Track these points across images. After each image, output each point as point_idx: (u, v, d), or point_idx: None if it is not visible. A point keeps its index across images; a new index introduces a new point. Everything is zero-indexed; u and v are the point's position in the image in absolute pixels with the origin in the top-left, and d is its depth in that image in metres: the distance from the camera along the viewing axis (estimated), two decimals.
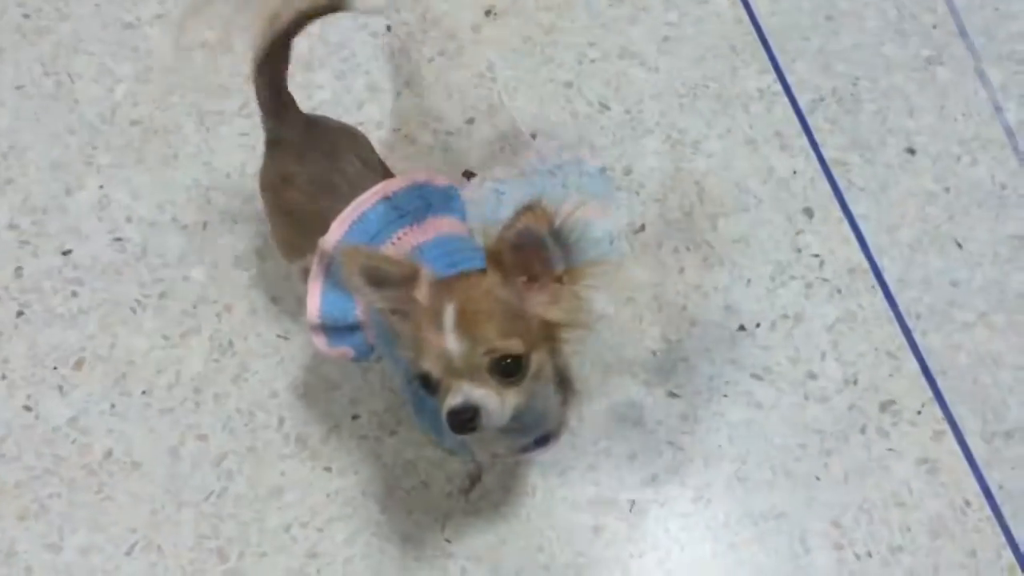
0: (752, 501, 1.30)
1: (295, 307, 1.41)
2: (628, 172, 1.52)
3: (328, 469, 1.31)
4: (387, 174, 1.13)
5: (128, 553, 1.26)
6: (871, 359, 1.39)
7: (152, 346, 1.39)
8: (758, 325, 1.41)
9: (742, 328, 1.41)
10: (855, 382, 1.37)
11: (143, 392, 1.36)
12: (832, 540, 1.27)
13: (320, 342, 1.10)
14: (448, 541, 1.27)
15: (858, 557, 1.26)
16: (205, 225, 1.48)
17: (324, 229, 1.06)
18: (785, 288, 1.44)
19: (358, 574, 1.25)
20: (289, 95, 1.13)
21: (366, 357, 1.13)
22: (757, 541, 1.27)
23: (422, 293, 0.85)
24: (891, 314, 1.42)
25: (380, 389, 1.36)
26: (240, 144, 1.54)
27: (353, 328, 1.09)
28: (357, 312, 1.07)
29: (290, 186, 1.12)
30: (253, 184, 1.49)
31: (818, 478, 1.31)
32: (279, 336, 1.40)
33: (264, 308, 1.42)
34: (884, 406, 1.36)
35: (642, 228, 1.48)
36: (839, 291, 1.44)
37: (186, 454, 1.32)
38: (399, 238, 1.03)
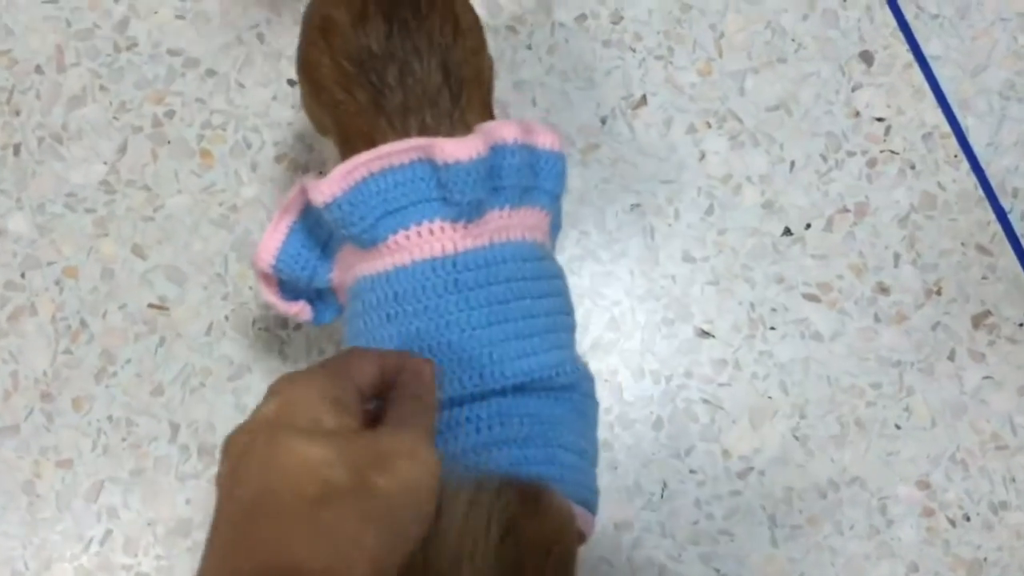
0: (816, 467, 0.99)
1: (172, 256, 1.00)
2: (617, 19, 1.08)
3: None
4: (483, 110, 0.69)
5: None
6: (957, 258, 1.05)
7: None
8: (808, 226, 1.05)
9: (788, 232, 1.04)
10: (938, 292, 1.04)
11: None
12: (920, 505, 0.99)
13: (269, 292, 0.75)
14: None
15: (953, 523, 0.99)
16: (17, 149, 1.02)
17: (354, 130, 0.67)
18: (841, 170, 1.06)
19: None
20: None
21: (326, 321, 0.78)
22: (826, 519, 0.98)
23: None
24: (981, 192, 1.06)
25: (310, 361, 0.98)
26: (46, 17, 1.05)
27: (320, 291, 0.76)
28: (330, 277, 0.72)
29: (327, 40, 0.68)
30: (76, 65, 1.02)
31: (898, 426, 1.00)
32: (153, 306, 0.99)
33: (124, 265, 1.00)
34: (977, 320, 1.03)
35: (643, 101, 1.07)
36: (912, 167, 1.07)
37: (46, 489, 0.95)
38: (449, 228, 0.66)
